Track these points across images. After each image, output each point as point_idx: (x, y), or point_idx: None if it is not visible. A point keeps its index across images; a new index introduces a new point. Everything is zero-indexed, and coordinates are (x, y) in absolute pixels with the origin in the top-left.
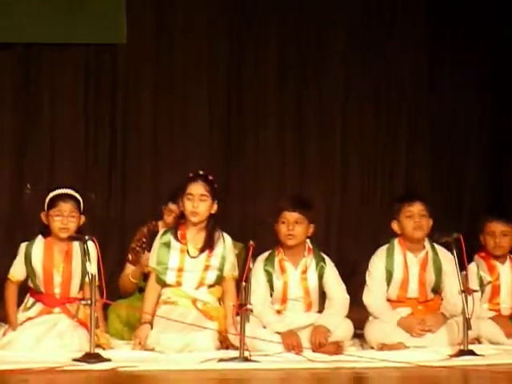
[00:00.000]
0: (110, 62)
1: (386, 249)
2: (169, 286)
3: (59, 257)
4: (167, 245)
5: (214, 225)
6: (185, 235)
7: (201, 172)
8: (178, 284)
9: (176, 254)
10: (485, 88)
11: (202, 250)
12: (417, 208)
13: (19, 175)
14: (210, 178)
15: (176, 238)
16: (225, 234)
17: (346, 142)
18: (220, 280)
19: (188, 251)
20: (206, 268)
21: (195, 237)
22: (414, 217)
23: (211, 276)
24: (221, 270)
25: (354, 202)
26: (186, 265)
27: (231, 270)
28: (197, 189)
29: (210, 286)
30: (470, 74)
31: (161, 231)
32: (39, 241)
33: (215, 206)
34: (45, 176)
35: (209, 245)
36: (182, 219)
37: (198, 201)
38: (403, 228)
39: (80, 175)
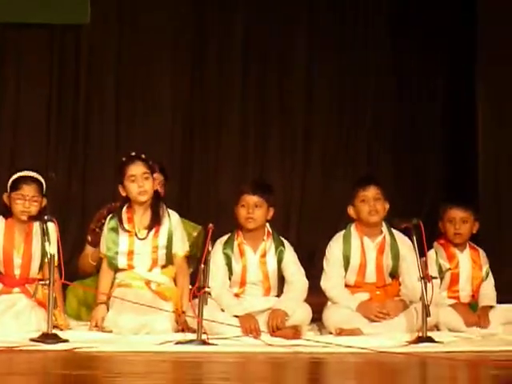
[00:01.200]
0: (74, 42)
1: (343, 234)
2: (122, 269)
3: (20, 238)
4: (115, 230)
5: (157, 202)
6: (132, 218)
7: (133, 153)
8: (130, 267)
9: (124, 238)
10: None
11: (149, 229)
12: (371, 192)
13: None
14: (143, 156)
15: (122, 222)
16: (170, 211)
17: (308, 130)
18: (170, 258)
19: (136, 234)
20: (155, 248)
21: (141, 218)
22: (369, 201)
23: (161, 255)
24: (169, 247)
25: (314, 188)
26: (135, 247)
27: (180, 246)
28: (138, 169)
29: (163, 267)
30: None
31: (108, 217)
32: (0, 221)
33: (156, 182)
34: (6, 156)
35: (155, 222)
36: (126, 202)
37: (143, 180)
38: (359, 212)
39: (41, 155)
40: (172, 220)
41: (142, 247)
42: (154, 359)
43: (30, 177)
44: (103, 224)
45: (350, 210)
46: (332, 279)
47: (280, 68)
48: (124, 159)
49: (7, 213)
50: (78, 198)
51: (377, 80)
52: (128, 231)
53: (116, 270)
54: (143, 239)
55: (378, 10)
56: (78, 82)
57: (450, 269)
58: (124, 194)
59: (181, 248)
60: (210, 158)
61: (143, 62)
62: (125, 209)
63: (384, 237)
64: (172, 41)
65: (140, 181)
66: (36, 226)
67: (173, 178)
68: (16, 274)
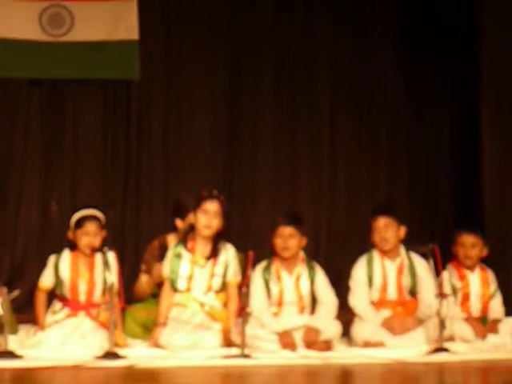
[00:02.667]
0: (125, 96)
1: (366, 257)
2: (180, 291)
3: (84, 268)
4: (179, 256)
5: (218, 237)
6: (194, 247)
7: (215, 191)
8: (188, 290)
9: (186, 264)
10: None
11: (208, 259)
12: (381, 222)
13: (46, 193)
14: (222, 198)
15: (186, 249)
16: (228, 244)
17: (334, 163)
18: (224, 285)
19: (196, 261)
20: (212, 275)
21: (204, 248)
22: (380, 231)
23: (216, 282)
24: (224, 276)
25: (340, 216)
26: (195, 273)
27: (233, 276)
28: (213, 206)
29: (217, 292)
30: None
31: (173, 244)
32: (66, 254)
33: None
34: (68, 193)
35: (214, 254)
36: (191, 232)
37: (213, 217)
38: (374, 239)
39: (99, 193)
40: (229, 253)
41: (200, 274)
42: (204, 372)
43: (92, 215)
44: (155, 255)
45: (372, 238)
46: (358, 297)
47: (308, 107)
48: (205, 194)
49: (73, 246)
50: (132, 231)
51: (392, 107)
52: (191, 257)
53: (176, 291)
54: (202, 267)
55: (392, 43)
56: (129, 129)
57: (461, 288)
58: (192, 222)
59: (234, 277)
60: (246, 193)
61: (186, 111)
62: (190, 238)
63: (402, 259)
64: (210, 92)
65: (210, 217)
66: (98, 256)
67: None
68: (81, 300)
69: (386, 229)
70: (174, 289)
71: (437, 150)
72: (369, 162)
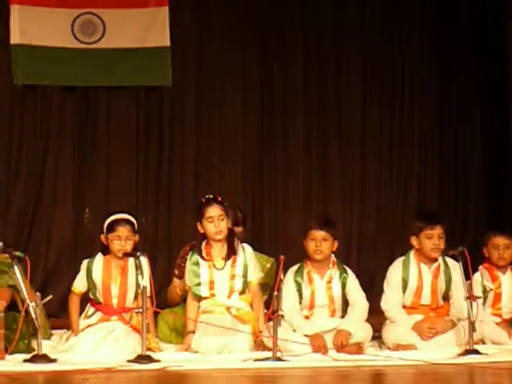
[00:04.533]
0: (158, 102)
1: (403, 260)
2: (205, 298)
3: (116, 272)
4: (196, 263)
5: (232, 237)
6: (210, 252)
7: (211, 196)
8: (212, 295)
9: (205, 270)
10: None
11: (226, 259)
12: (437, 231)
13: (80, 201)
14: (220, 199)
15: (202, 256)
16: (244, 245)
17: (364, 164)
18: (246, 286)
19: (214, 265)
20: (232, 277)
21: (220, 251)
22: (434, 239)
23: (238, 283)
24: (245, 276)
25: (371, 220)
26: (215, 277)
27: (254, 274)
28: (215, 211)
29: (241, 293)
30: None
31: (189, 253)
32: (99, 258)
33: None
34: (101, 202)
35: (231, 254)
36: (204, 239)
37: (219, 221)
38: (422, 246)
39: (131, 200)
40: (246, 252)
41: (220, 277)
42: (235, 375)
43: (124, 219)
44: (187, 259)
45: (413, 241)
46: (391, 300)
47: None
48: (203, 201)
49: (105, 250)
50: (164, 237)
51: (424, 108)
52: (208, 263)
53: (200, 299)
54: (221, 269)
55: (425, 38)
56: (161, 135)
57: (492, 289)
58: (202, 232)
59: (255, 276)
60: (277, 198)
61: (217, 116)
62: (204, 244)
63: (439, 264)
64: (240, 96)
65: (216, 221)
66: (130, 261)
67: (247, 217)
68: (114, 304)
69: (440, 239)
70: (198, 296)
71: (468, 152)
72: (400, 164)
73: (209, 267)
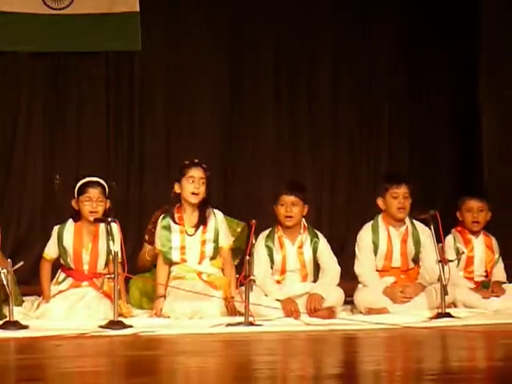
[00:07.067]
0: (128, 67)
1: (371, 224)
2: (175, 263)
3: (87, 238)
4: (167, 228)
5: (204, 204)
6: (182, 217)
7: (196, 160)
8: (183, 261)
9: (176, 235)
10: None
11: (197, 227)
12: (402, 190)
13: (50, 168)
14: (204, 165)
15: (174, 220)
16: (215, 210)
17: (335, 134)
18: (217, 251)
19: (186, 231)
20: (203, 242)
21: (190, 217)
22: (399, 198)
23: (209, 248)
24: (216, 241)
25: (342, 184)
26: (186, 243)
27: (225, 240)
28: (198, 173)
29: (211, 259)
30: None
31: (161, 217)
32: (70, 224)
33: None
34: (72, 168)
35: (202, 221)
36: (177, 203)
37: (199, 184)
38: (388, 206)
39: (103, 166)
40: (217, 218)
41: (191, 242)
42: (208, 340)
43: (95, 181)
44: None
45: (380, 202)
46: (364, 264)
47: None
48: (187, 162)
49: (76, 217)
50: (135, 202)
51: (392, 81)
52: (180, 227)
53: (171, 263)
54: (192, 235)
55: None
56: (131, 101)
57: (465, 252)
58: (178, 192)
59: (226, 241)
60: (248, 163)
61: (187, 81)
62: (175, 209)
63: (407, 227)
64: (212, 63)
65: (197, 183)
66: (101, 227)
67: (217, 183)
68: (85, 270)
69: (405, 198)
70: (169, 261)
71: (436, 121)
72: (371, 134)
73: (180, 232)
